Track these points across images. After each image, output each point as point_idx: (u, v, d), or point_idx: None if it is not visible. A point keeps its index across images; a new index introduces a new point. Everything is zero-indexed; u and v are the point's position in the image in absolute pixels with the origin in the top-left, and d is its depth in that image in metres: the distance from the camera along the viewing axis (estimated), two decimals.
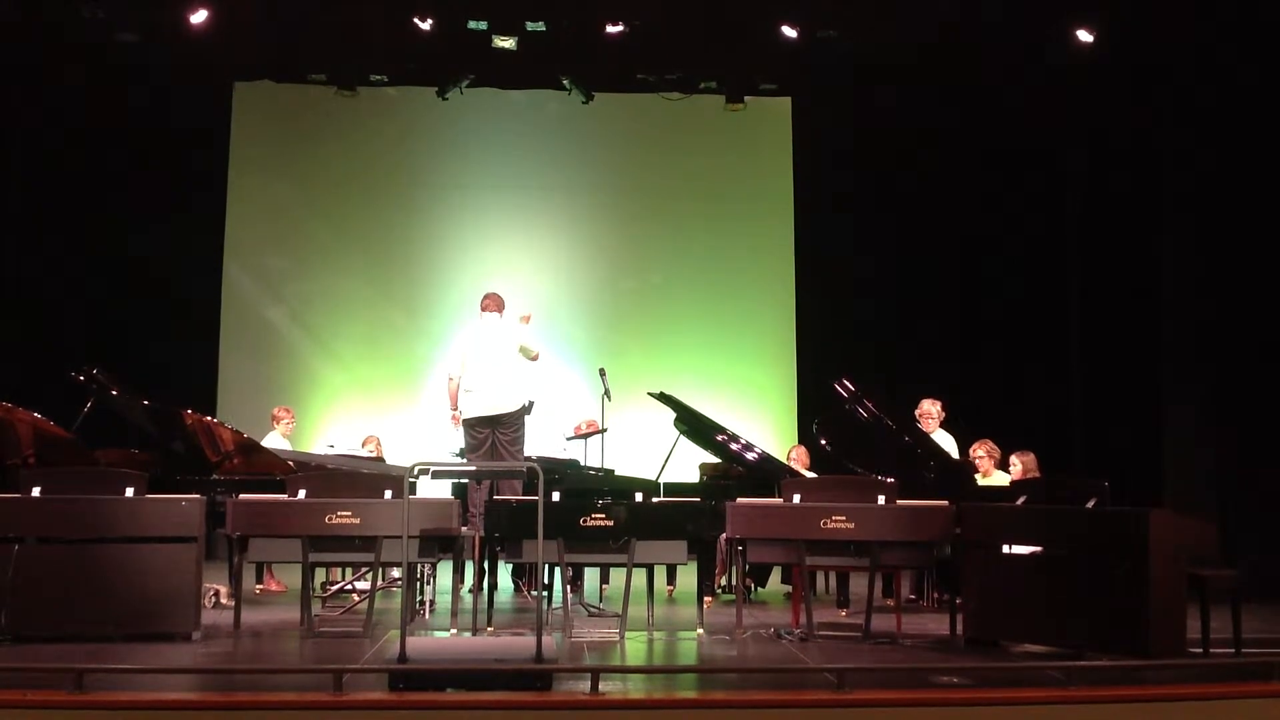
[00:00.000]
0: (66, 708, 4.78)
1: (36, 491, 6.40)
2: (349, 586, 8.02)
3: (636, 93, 12.28)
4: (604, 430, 9.74)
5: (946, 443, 8.81)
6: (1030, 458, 8.35)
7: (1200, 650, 6.14)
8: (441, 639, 6.60)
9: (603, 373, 10.02)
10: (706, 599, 7.34)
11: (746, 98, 12.47)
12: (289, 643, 6.60)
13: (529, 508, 6.41)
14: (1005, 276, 11.87)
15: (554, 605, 7.39)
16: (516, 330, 8.60)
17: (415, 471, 6.14)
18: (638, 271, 12.64)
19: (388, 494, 6.70)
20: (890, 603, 7.36)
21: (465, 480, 8.29)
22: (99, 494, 6.48)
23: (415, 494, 7.24)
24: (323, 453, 9.65)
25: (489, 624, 6.94)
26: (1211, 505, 9.09)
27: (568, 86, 12.19)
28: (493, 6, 10.98)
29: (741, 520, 6.86)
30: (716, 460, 9.05)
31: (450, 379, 8.56)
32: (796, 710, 5.02)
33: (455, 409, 8.53)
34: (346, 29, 11.18)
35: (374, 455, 9.76)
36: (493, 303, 8.63)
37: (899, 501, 6.77)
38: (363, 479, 7.08)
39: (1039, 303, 11.83)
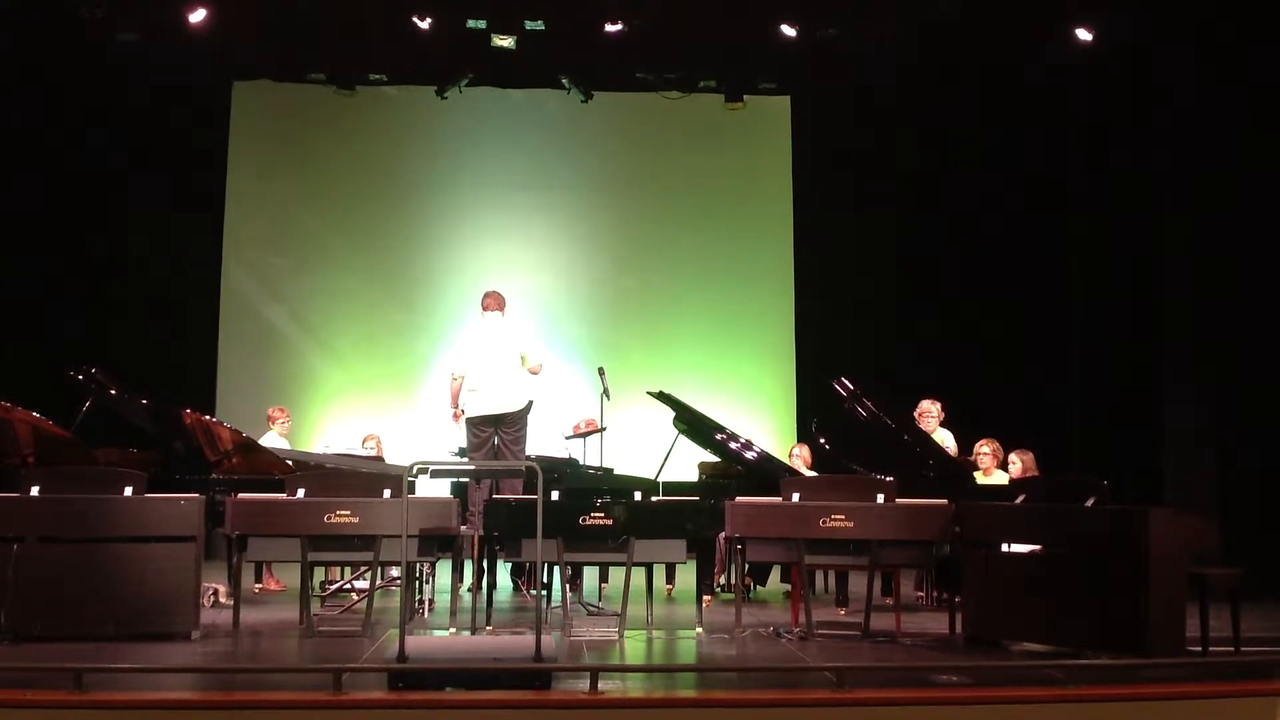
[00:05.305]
0: (66, 707, 4.78)
1: (36, 491, 6.40)
2: (348, 585, 8.02)
3: (636, 91, 12.28)
4: (603, 429, 9.74)
5: (947, 441, 8.82)
6: (1029, 456, 8.35)
7: (1199, 649, 6.14)
8: (441, 638, 6.59)
9: (602, 371, 10.03)
10: (706, 598, 7.34)
11: (746, 96, 12.48)
12: (288, 642, 6.60)
13: (528, 507, 6.41)
14: (1005, 276, 11.86)
15: (553, 604, 7.38)
16: (520, 334, 8.59)
17: (414, 470, 6.14)
18: (637, 270, 12.63)
19: (387, 493, 6.69)
20: (890, 601, 7.36)
21: (464, 479, 8.29)
22: (98, 493, 6.48)
23: (414, 493, 7.24)
24: (321, 452, 9.65)
25: (488, 623, 6.94)
26: (1212, 504, 9.09)
27: (567, 85, 12.19)
28: (492, 5, 10.97)
29: (741, 519, 6.85)
30: (716, 459, 9.05)
31: (454, 377, 8.55)
32: (796, 709, 5.02)
33: (456, 406, 8.53)
34: (346, 28, 11.18)
35: (374, 454, 9.76)
36: (494, 301, 8.63)
37: (898, 500, 6.77)
38: (362, 478, 7.08)
39: (1039, 303, 11.83)
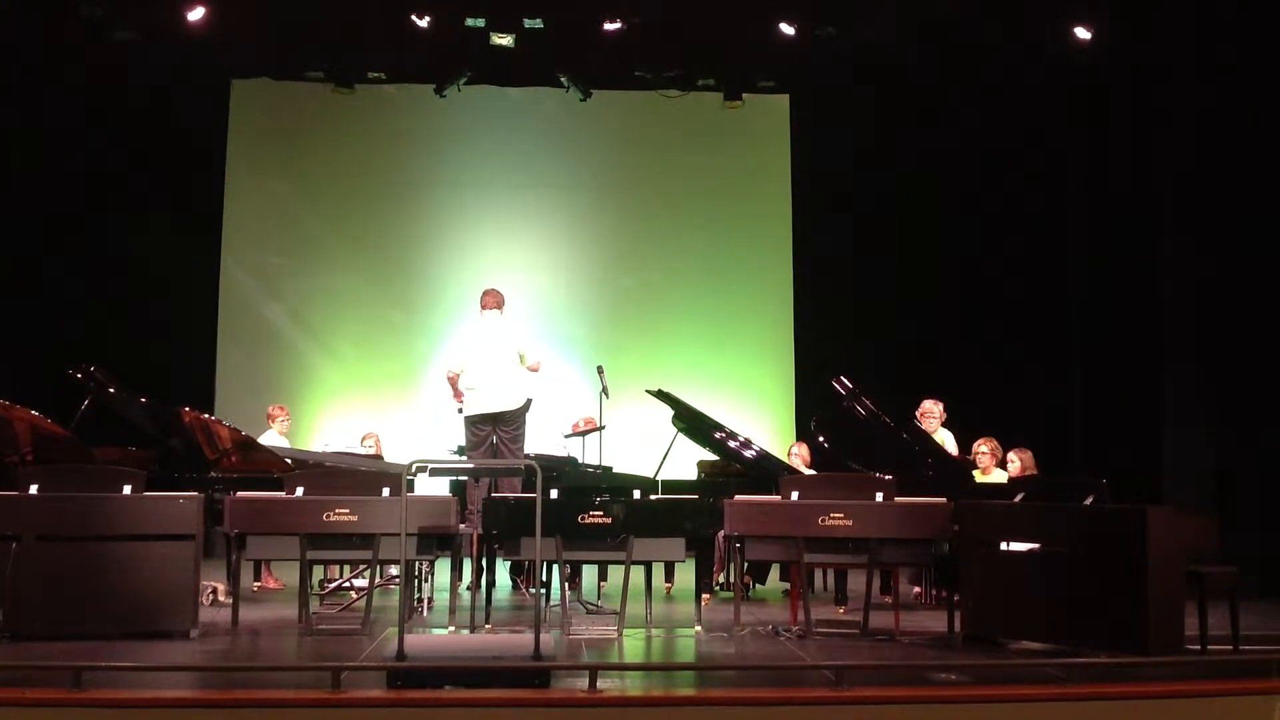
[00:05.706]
0: (64, 705, 4.78)
1: (34, 489, 6.40)
2: (347, 584, 8.02)
3: (634, 90, 12.27)
4: (602, 427, 9.74)
5: (947, 442, 8.81)
6: (1028, 455, 8.36)
7: (1198, 647, 6.14)
8: (440, 636, 6.60)
9: (601, 370, 10.03)
10: (705, 596, 7.33)
11: (745, 95, 12.47)
12: (287, 640, 6.59)
13: (527, 505, 6.42)
14: (1005, 276, 11.86)
15: (552, 603, 7.38)
16: (518, 333, 8.59)
17: (413, 469, 6.14)
18: (636, 269, 12.63)
19: (386, 491, 6.69)
20: (888, 600, 7.36)
21: (463, 478, 8.29)
22: (97, 492, 6.48)
23: (413, 491, 7.23)
24: (320, 450, 9.64)
25: (487, 621, 6.94)
26: (1211, 504, 9.08)
27: (566, 84, 12.18)
28: (490, 4, 10.97)
29: (740, 517, 6.85)
30: (715, 458, 9.05)
31: (449, 373, 8.55)
32: (795, 708, 5.02)
33: (456, 388, 8.50)
34: (344, 27, 11.18)
35: (373, 452, 9.75)
36: (493, 299, 8.63)
37: (897, 499, 6.77)
38: (361, 476, 7.08)
39: (1039, 303, 11.83)
